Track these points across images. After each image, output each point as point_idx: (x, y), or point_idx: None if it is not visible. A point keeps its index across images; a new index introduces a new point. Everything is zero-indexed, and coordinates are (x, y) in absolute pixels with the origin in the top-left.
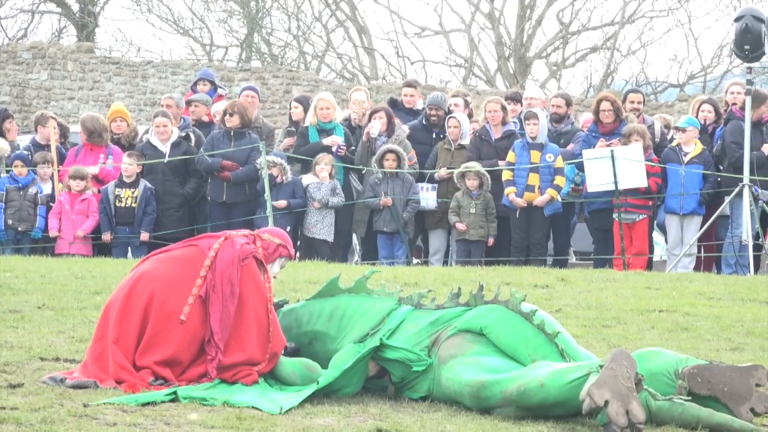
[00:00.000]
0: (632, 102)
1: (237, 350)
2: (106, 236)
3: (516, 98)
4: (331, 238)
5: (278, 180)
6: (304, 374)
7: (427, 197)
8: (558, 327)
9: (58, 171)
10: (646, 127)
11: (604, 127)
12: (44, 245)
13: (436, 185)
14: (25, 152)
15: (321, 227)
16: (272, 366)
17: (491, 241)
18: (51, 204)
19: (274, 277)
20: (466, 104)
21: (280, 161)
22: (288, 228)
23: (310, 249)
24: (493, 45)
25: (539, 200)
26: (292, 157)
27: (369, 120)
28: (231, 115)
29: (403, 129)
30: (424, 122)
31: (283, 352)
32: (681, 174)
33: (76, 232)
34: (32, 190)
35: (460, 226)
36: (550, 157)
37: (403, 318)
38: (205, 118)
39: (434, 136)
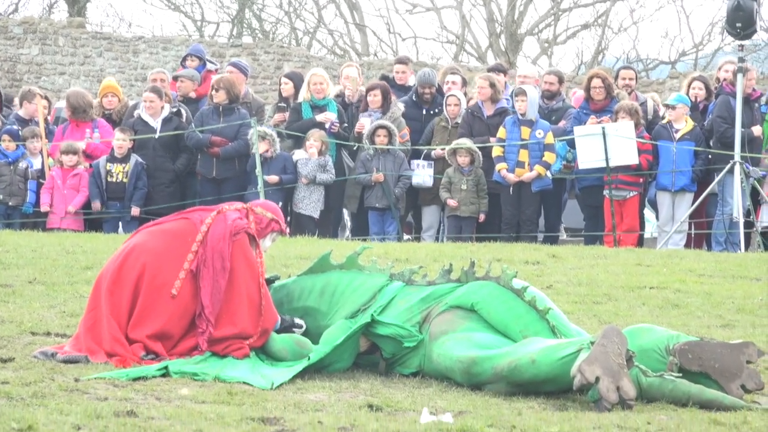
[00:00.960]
0: (624, 78)
1: (228, 324)
2: (96, 205)
3: (500, 69)
4: (316, 215)
5: (267, 154)
6: (294, 350)
7: (423, 174)
8: (549, 303)
9: (48, 146)
10: (637, 105)
11: (595, 104)
12: (35, 220)
13: (432, 162)
14: (15, 127)
15: (308, 203)
16: (263, 341)
17: (482, 217)
18: (42, 180)
19: (265, 251)
20: (464, 82)
21: (270, 132)
22: (279, 203)
23: (297, 224)
24: (485, 22)
25: (526, 176)
26: (283, 133)
27: (366, 96)
28: (217, 90)
29: (398, 106)
30: (414, 98)
31: (281, 325)
32: (672, 151)
33: (67, 207)
34: (22, 165)
35: (451, 203)
36: (539, 134)
37: (395, 294)
38: (192, 94)
39: (425, 112)
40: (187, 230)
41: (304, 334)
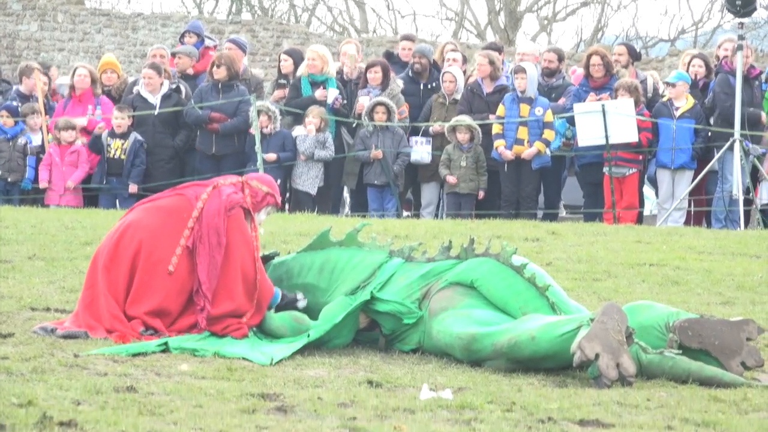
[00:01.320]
0: (614, 54)
1: (225, 299)
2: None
3: (495, 48)
4: (314, 191)
5: (266, 130)
6: (293, 326)
7: (421, 150)
8: (549, 280)
9: (48, 122)
10: (637, 82)
11: (594, 81)
12: (34, 196)
13: (431, 139)
14: (13, 103)
15: (305, 179)
16: (260, 316)
17: (481, 194)
18: (41, 155)
19: (260, 224)
20: (465, 59)
21: (273, 109)
22: (278, 181)
23: (296, 201)
24: None
25: (526, 153)
26: (282, 109)
27: (365, 72)
28: (218, 66)
29: (397, 83)
30: (410, 74)
31: (282, 300)
32: (672, 128)
33: (66, 183)
34: (21, 141)
35: (451, 179)
36: (539, 111)
37: (394, 271)
38: (190, 71)
39: (422, 87)
40: (182, 206)
41: (304, 311)
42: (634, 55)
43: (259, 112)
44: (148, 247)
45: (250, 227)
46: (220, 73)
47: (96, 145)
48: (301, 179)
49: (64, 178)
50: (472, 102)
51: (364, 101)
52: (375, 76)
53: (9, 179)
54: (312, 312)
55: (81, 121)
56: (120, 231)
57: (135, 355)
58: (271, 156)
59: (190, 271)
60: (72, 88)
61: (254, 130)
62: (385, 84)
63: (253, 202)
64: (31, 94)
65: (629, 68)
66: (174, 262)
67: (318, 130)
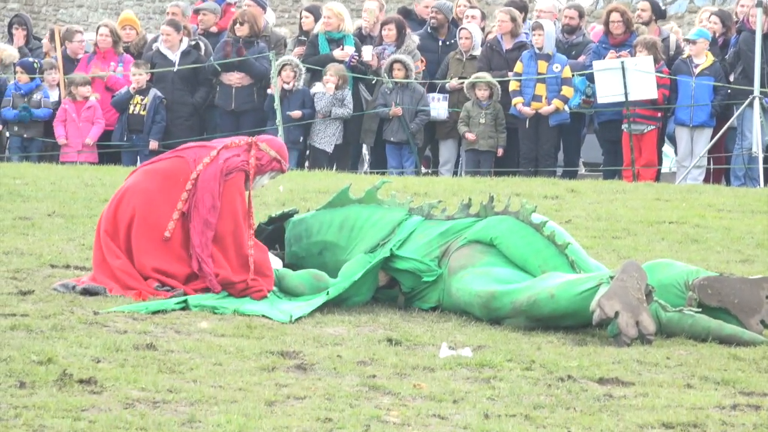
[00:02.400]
0: (637, 10)
1: (217, 267)
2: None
3: (517, 6)
4: (330, 149)
5: (288, 86)
6: (312, 284)
7: (438, 107)
8: (568, 238)
9: (66, 79)
10: (657, 39)
11: (614, 38)
12: (51, 153)
13: (447, 95)
14: (30, 59)
15: (322, 137)
16: (270, 280)
17: (500, 151)
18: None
19: (261, 187)
20: (483, 16)
21: (296, 62)
22: (301, 139)
23: (314, 158)
24: None
25: (544, 110)
26: (302, 66)
27: (380, 30)
28: (241, 24)
29: (413, 39)
30: (429, 30)
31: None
32: (691, 86)
33: (84, 140)
34: (37, 97)
35: (470, 136)
36: (557, 68)
37: (414, 228)
38: (214, 29)
39: (440, 44)
40: (180, 169)
41: (322, 268)
42: (658, 13)
43: (284, 66)
44: (142, 213)
45: (248, 192)
46: (243, 31)
47: (120, 104)
48: (318, 137)
49: (80, 135)
50: (492, 58)
51: (367, 52)
52: (389, 33)
53: (25, 135)
54: (331, 270)
55: (102, 75)
56: (119, 196)
57: (154, 312)
58: (297, 113)
59: (187, 238)
60: (95, 45)
61: (273, 87)
62: (400, 41)
63: (257, 164)
64: (76, 56)
65: (651, 25)
66: (170, 228)
67: (337, 87)
